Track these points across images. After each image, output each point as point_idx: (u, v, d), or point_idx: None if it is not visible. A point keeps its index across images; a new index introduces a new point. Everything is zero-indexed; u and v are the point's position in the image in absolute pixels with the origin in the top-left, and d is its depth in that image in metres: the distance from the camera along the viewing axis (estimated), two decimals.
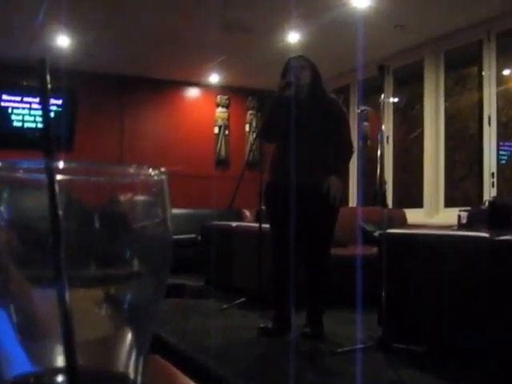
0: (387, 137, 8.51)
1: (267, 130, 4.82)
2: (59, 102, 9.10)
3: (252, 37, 7.70)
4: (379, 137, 4.46)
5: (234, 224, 6.88)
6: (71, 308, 0.40)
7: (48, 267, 0.41)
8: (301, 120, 4.42)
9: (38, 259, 0.43)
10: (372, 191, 4.81)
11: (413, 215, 7.73)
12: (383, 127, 4.51)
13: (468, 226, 5.90)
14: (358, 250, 5.73)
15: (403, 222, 7.46)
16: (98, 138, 9.57)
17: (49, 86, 0.44)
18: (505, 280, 3.55)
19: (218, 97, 10.55)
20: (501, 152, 7.18)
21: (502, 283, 3.57)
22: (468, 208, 6.31)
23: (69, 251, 0.41)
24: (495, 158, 7.14)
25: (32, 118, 9.14)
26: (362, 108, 8.66)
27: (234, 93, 10.55)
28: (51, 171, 0.41)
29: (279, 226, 4.54)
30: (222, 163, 10.49)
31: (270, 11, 6.88)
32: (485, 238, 3.75)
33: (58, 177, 0.42)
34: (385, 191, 4.43)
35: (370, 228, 6.60)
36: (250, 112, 10.75)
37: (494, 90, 7.18)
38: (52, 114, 0.45)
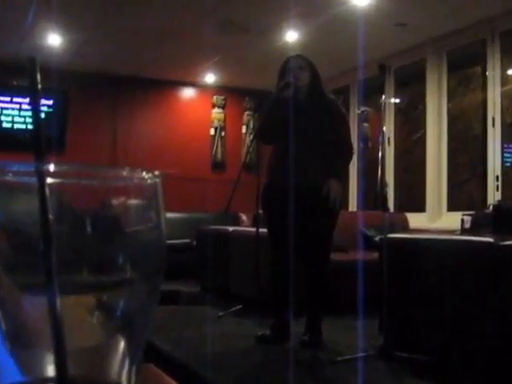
0: (388, 138, 8.52)
1: (265, 132, 4.83)
2: (50, 102, 9.09)
3: (249, 36, 7.70)
4: (380, 138, 4.46)
5: (231, 228, 6.88)
6: (62, 315, 0.40)
7: (38, 273, 0.41)
8: (299, 121, 4.42)
9: (28, 265, 0.43)
10: (373, 194, 4.82)
11: (415, 219, 7.74)
12: (384, 128, 4.51)
13: (472, 230, 5.90)
14: (359, 255, 5.73)
15: (405, 227, 7.46)
16: (90, 140, 9.56)
17: (39, 85, 0.44)
18: (510, 286, 3.55)
19: (214, 97, 10.56)
20: (505, 154, 7.19)
21: (508, 289, 3.57)
22: (472, 212, 6.31)
23: (60, 256, 0.41)
24: (499, 161, 7.14)
25: (22, 119, 9.13)
26: (363, 109, 8.68)
27: (230, 93, 10.55)
28: (42, 174, 0.41)
29: (277, 230, 4.54)
30: (217, 165, 10.49)
31: (268, 9, 6.89)
32: (489, 243, 3.75)
33: (49, 180, 0.42)
34: (386, 194, 4.44)
35: (370, 233, 6.61)
36: (246, 113, 10.75)
37: (498, 90, 7.19)
38: (43, 115, 0.45)
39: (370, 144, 8.90)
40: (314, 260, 4.58)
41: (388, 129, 8.36)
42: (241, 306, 5.71)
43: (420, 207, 8.08)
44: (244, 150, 10.20)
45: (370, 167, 7.83)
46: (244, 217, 9.23)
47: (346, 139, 4.69)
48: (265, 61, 7.97)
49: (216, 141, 10.53)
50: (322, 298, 4.60)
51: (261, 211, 4.94)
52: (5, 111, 9.11)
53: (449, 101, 7.96)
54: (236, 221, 8.96)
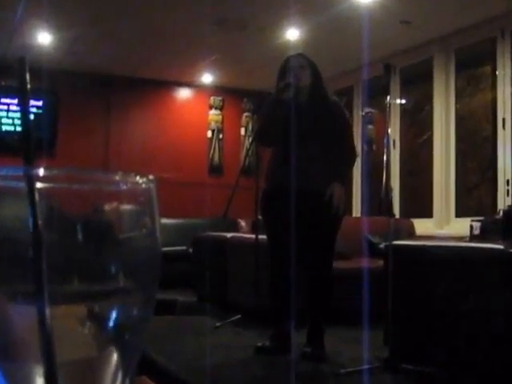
0: (394, 141, 8.53)
1: (264, 134, 4.83)
2: (40, 103, 9.10)
3: (248, 34, 7.71)
4: (385, 141, 4.46)
5: (229, 235, 6.87)
6: (52, 326, 0.40)
7: (27, 282, 0.41)
8: (300, 123, 4.42)
9: (17, 273, 0.43)
10: (377, 199, 4.81)
11: (421, 225, 7.73)
12: (389, 131, 4.51)
13: (481, 237, 5.89)
14: (363, 262, 5.73)
15: (411, 233, 7.46)
16: (81, 143, 9.56)
17: (28, 86, 0.44)
18: None
19: (212, 98, 10.56)
20: None
21: None
22: (481, 218, 6.30)
23: (50, 264, 0.41)
24: (510, 164, 7.14)
25: (10, 121, 9.13)
26: (367, 110, 8.67)
27: (228, 94, 10.56)
28: (31, 178, 0.41)
29: (277, 236, 4.54)
30: (215, 169, 10.49)
31: (268, 6, 6.89)
32: (499, 250, 3.75)
33: (39, 184, 0.42)
34: (391, 199, 4.44)
35: (375, 239, 6.60)
36: (245, 114, 10.76)
37: (508, 90, 7.20)
38: (32, 117, 0.45)
39: (374, 147, 8.89)
40: (315, 268, 4.58)
41: (393, 131, 8.37)
42: (239, 316, 5.71)
43: (427, 213, 8.08)
44: (243, 154, 10.20)
45: (375, 171, 7.82)
46: (243, 223, 9.23)
47: (349, 142, 4.70)
48: (264, 60, 7.97)
49: (213, 143, 10.54)
50: (324, 308, 4.59)
51: (260, 217, 4.94)
52: None
53: (457, 101, 7.96)
54: (234, 227, 8.96)
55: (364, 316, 4.12)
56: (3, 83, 8.94)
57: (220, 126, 10.62)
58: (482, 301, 3.76)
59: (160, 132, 10.12)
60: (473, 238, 6.01)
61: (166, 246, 6.97)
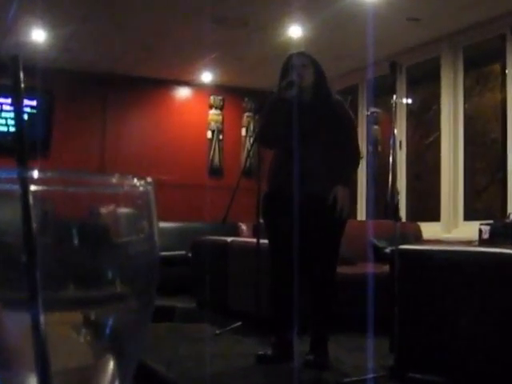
0: (400, 142, 8.51)
1: (266, 135, 4.83)
2: (34, 102, 9.10)
3: (249, 31, 7.71)
4: (391, 142, 4.46)
5: (229, 239, 6.88)
6: (46, 333, 0.40)
7: (21, 288, 0.41)
8: (303, 123, 4.42)
9: (10, 279, 0.43)
10: (383, 202, 4.82)
11: (429, 229, 7.73)
12: (395, 131, 4.51)
13: (490, 241, 5.90)
14: (368, 268, 5.73)
15: (418, 237, 7.46)
16: (77, 144, 9.56)
17: (22, 85, 0.44)
18: None
19: (212, 97, 10.57)
20: None
21: None
22: (490, 221, 6.31)
23: (44, 270, 0.41)
24: None
25: (3, 121, 9.14)
26: (372, 110, 8.66)
27: (228, 93, 10.56)
28: (25, 181, 0.41)
29: (279, 241, 4.54)
30: (215, 171, 10.49)
31: (269, 3, 6.90)
32: (509, 254, 3.75)
33: (33, 187, 0.42)
34: (397, 203, 4.44)
35: (380, 244, 6.60)
36: (246, 114, 10.76)
37: None
38: (26, 117, 0.45)
39: (379, 148, 8.90)
40: (319, 273, 4.58)
41: (399, 131, 8.36)
42: (240, 323, 5.71)
43: (434, 216, 8.08)
44: (244, 155, 10.21)
45: (380, 173, 7.83)
46: (244, 227, 9.23)
47: (353, 143, 4.70)
48: (266, 58, 7.99)
49: (213, 144, 10.54)
50: (327, 315, 4.59)
51: (262, 221, 4.94)
52: None
53: (465, 101, 7.96)
54: (235, 231, 8.96)
55: (369, 323, 4.11)
56: None
57: (220, 126, 10.62)
58: (492, 308, 3.76)
59: (158, 132, 10.12)
60: (482, 242, 6.02)
61: (165, 250, 6.97)
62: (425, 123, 8.64)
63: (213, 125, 10.56)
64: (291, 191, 4.22)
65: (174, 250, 8.22)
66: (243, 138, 10.70)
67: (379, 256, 6.25)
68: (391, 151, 4.42)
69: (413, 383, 3.93)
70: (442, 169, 8.05)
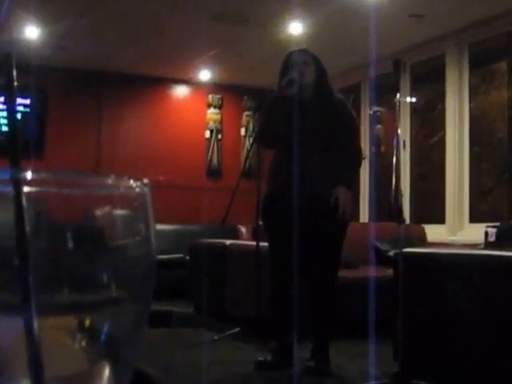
0: (403, 142, 8.48)
1: (265, 134, 4.83)
2: (27, 101, 9.10)
3: (248, 27, 7.71)
4: (394, 142, 4.46)
5: (228, 242, 6.87)
6: (40, 339, 0.40)
7: (14, 292, 0.41)
8: (304, 123, 4.42)
9: (3, 282, 0.43)
10: (386, 204, 4.81)
11: (433, 232, 7.73)
12: (399, 131, 4.51)
13: (497, 244, 5.90)
14: (371, 271, 5.73)
15: (422, 240, 7.46)
16: (71, 144, 9.56)
17: (15, 83, 0.44)
18: None
19: (210, 96, 10.56)
20: None
21: None
22: (497, 224, 6.31)
23: (37, 273, 0.41)
24: None
25: None
26: (375, 109, 8.68)
27: (227, 91, 10.56)
28: (18, 182, 0.41)
29: (279, 243, 4.54)
30: (213, 172, 10.49)
31: None
32: None
33: (26, 189, 0.42)
34: (401, 204, 4.43)
35: (383, 247, 6.60)
36: (246, 113, 10.76)
37: None
38: (19, 116, 0.45)
39: (383, 148, 8.90)
40: (320, 277, 4.58)
41: (403, 131, 8.35)
42: (239, 329, 5.71)
43: (439, 218, 8.08)
44: (243, 155, 10.20)
45: (383, 174, 7.82)
46: (243, 229, 9.23)
47: (354, 143, 4.70)
48: (266, 55, 7.98)
49: (212, 144, 10.53)
50: (329, 320, 4.59)
51: (261, 223, 4.94)
52: None
53: (471, 100, 7.96)
54: (234, 234, 8.96)
55: (371, 328, 4.11)
56: None
57: (219, 125, 10.61)
58: (500, 312, 3.75)
59: (155, 132, 10.11)
60: (488, 245, 6.02)
61: (162, 253, 6.97)
62: (429, 122, 8.63)
63: (211, 124, 10.56)
64: (291, 192, 4.22)
65: (172, 253, 8.22)
66: (242, 138, 10.70)
67: (382, 259, 6.24)
68: (395, 151, 4.41)
69: None
70: (446, 169, 8.04)
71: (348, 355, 4.88)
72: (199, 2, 6.96)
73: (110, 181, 0.47)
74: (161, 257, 6.81)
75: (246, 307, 5.99)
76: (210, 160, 10.50)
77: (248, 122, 10.72)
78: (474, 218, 7.76)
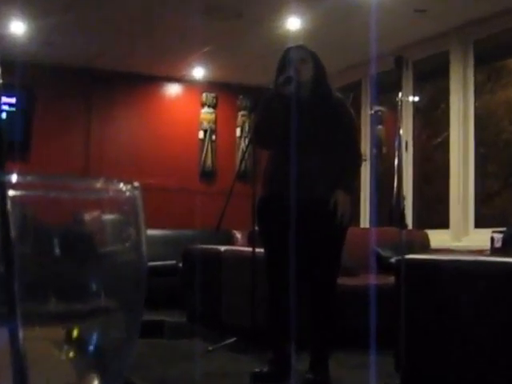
0: (406, 143, 8.51)
1: (262, 132, 4.82)
2: (12, 100, 9.09)
3: (243, 23, 7.72)
4: (396, 143, 4.47)
5: (223, 248, 6.87)
6: (25, 350, 0.40)
7: None
8: (301, 122, 4.42)
9: None
10: (388, 208, 4.82)
11: (437, 237, 7.74)
12: (401, 131, 4.52)
13: (503, 250, 5.90)
14: (371, 279, 5.73)
15: (425, 246, 7.47)
16: (59, 145, 9.56)
17: (0, 81, 0.44)
18: None
19: (204, 95, 10.57)
20: None
21: None
22: (503, 229, 6.31)
23: (23, 281, 0.41)
24: None
25: None
26: (376, 108, 8.68)
27: (222, 90, 10.56)
28: (2, 186, 0.41)
29: (276, 249, 4.53)
30: (207, 174, 10.49)
31: None
32: None
33: (11, 192, 0.42)
34: (403, 208, 4.44)
35: (385, 253, 6.61)
36: (241, 113, 10.76)
37: None
38: (4, 115, 0.45)
39: (384, 149, 8.91)
40: (318, 285, 4.57)
41: (405, 132, 8.37)
42: (235, 339, 5.70)
43: (443, 223, 8.08)
44: (238, 157, 10.20)
45: (385, 176, 7.83)
46: (238, 234, 9.23)
47: (353, 144, 4.70)
48: (262, 52, 7.99)
49: (206, 145, 10.53)
50: (328, 330, 4.59)
51: (257, 228, 4.94)
52: None
53: (476, 99, 7.98)
54: (229, 239, 8.96)
55: (372, 338, 4.11)
56: None
57: (213, 125, 10.61)
58: (506, 322, 3.76)
59: (146, 133, 10.11)
60: (494, 251, 6.03)
61: (153, 260, 6.96)
62: (433, 122, 8.65)
63: (205, 124, 10.56)
64: (288, 195, 4.21)
65: (164, 260, 8.22)
66: (238, 139, 10.70)
67: (383, 266, 6.25)
68: (396, 153, 4.42)
69: None
70: (450, 172, 8.05)
71: (348, 366, 4.88)
72: None
73: (99, 184, 0.47)
74: (152, 263, 6.80)
75: (241, 316, 5.99)
76: (204, 162, 10.50)
77: (244, 122, 10.72)
78: (480, 222, 7.77)
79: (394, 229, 4.54)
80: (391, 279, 4.64)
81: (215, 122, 10.63)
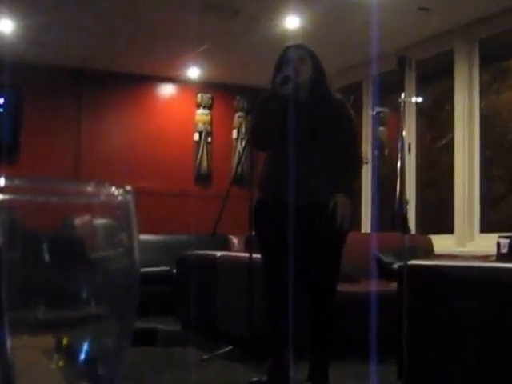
0: (409, 145, 8.51)
1: (259, 133, 4.81)
2: (0, 101, 9.09)
3: (240, 21, 7.72)
4: (399, 145, 4.47)
5: (219, 254, 6.87)
6: (13, 359, 0.40)
7: None
8: (299, 123, 4.41)
9: None
10: (390, 213, 4.82)
11: (441, 243, 7.74)
12: (404, 133, 4.52)
13: (510, 255, 5.91)
14: (373, 285, 5.73)
15: (429, 252, 7.47)
16: (48, 147, 9.54)
17: None
18: None
19: (199, 95, 10.56)
20: None
21: None
22: (509, 234, 6.32)
23: (11, 288, 0.41)
24: None
25: None
26: (378, 110, 8.69)
27: (218, 90, 10.56)
28: None
29: (273, 255, 4.53)
30: (203, 178, 10.48)
31: None
32: None
33: None
34: (406, 213, 4.44)
35: (387, 259, 6.61)
36: (238, 114, 10.75)
37: None
38: None
39: (386, 152, 8.91)
40: (317, 292, 4.57)
41: (408, 133, 8.37)
42: (230, 347, 5.70)
43: (447, 228, 8.08)
44: (235, 159, 10.19)
45: (387, 179, 7.84)
46: (235, 240, 9.22)
47: (353, 146, 4.70)
48: (259, 52, 7.99)
49: (201, 148, 10.52)
50: (327, 338, 4.58)
51: (253, 231, 4.94)
52: None
53: (481, 99, 7.98)
54: (225, 245, 8.96)
55: (373, 346, 4.11)
56: None
57: (209, 127, 10.60)
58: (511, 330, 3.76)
59: (139, 134, 10.10)
60: (500, 257, 6.03)
61: (146, 266, 6.96)
62: (436, 124, 8.65)
63: (200, 126, 10.55)
64: (285, 197, 4.21)
65: (157, 266, 8.21)
66: (234, 141, 10.69)
67: (385, 272, 6.25)
68: (399, 155, 4.42)
69: None
70: (455, 175, 8.05)
71: (349, 376, 4.88)
72: None
73: (89, 188, 0.47)
74: (145, 270, 6.80)
75: (238, 324, 5.98)
76: (199, 165, 10.49)
77: (240, 124, 10.71)
78: (485, 227, 7.77)
79: (396, 234, 4.54)
80: (393, 286, 4.64)
81: (211, 123, 10.62)
